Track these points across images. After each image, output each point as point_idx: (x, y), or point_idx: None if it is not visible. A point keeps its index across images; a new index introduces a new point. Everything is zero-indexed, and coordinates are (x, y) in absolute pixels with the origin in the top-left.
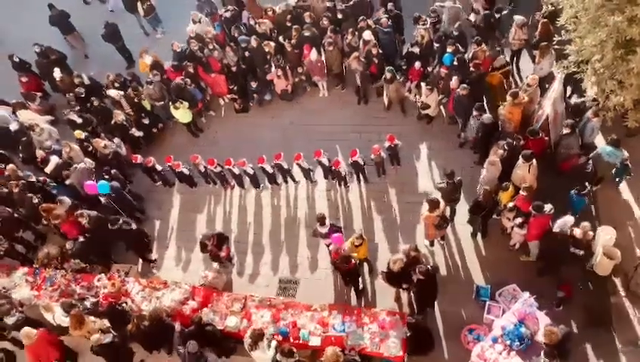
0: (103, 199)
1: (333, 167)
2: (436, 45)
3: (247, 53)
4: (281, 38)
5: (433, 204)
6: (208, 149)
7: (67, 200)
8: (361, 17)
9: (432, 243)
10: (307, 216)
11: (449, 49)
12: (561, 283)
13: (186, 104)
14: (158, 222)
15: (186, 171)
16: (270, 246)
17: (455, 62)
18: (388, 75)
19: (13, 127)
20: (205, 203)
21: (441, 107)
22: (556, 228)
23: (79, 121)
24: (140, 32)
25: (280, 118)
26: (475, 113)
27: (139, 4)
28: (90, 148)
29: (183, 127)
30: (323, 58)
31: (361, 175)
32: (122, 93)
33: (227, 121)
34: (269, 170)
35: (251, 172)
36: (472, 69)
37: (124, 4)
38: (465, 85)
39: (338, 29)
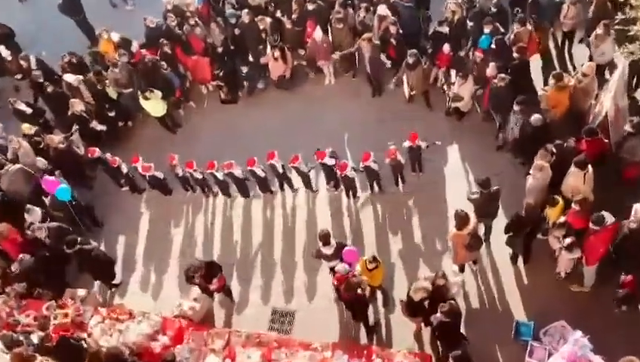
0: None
1: (340, 173)
2: (470, 24)
3: (236, 31)
4: (279, 13)
5: (463, 220)
6: (187, 149)
7: (37, 210)
8: None
9: (461, 269)
10: (307, 232)
11: (486, 29)
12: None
13: (159, 93)
14: (123, 238)
15: (159, 175)
16: (261, 269)
17: (493, 46)
18: (410, 60)
19: None
20: (182, 214)
21: (475, 101)
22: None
23: (28, 111)
24: (106, 2)
25: (276, 110)
26: (516, 108)
27: None
28: (42, 145)
29: (155, 121)
30: (330, 38)
31: (374, 183)
32: (81, 78)
33: (211, 114)
34: (261, 174)
35: (240, 177)
36: (514, 53)
37: None
38: (504, 75)
39: (349, 2)
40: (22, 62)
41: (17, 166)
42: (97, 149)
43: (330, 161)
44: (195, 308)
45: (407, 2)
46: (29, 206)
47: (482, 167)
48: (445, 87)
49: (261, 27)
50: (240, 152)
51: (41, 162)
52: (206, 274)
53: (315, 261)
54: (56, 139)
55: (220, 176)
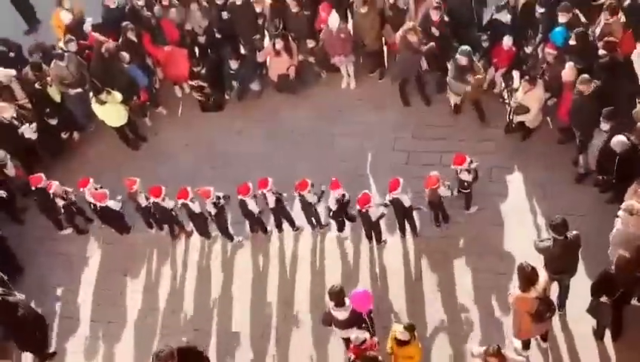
0: None
1: (360, 208)
2: (540, 11)
3: (225, 15)
4: None
5: (529, 278)
6: (152, 171)
7: None
8: None
9: (526, 346)
10: (312, 288)
11: (562, 17)
12: None
13: (118, 95)
14: (60, 290)
15: (114, 205)
16: (250, 340)
17: (572, 41)
18: (460, 58)
19: None
20: (143, 261)
21: (547, 113)
22: None
23: None
24: None
25: (274, 122)
26: (604, 127)
27: None
28: None
29: (112, 132)
30: (350, 26)
31: (405, 222)
32: (13, 73)
33: (186, 125)
34: (254, 208)
35: (221, 210)
36: (601, 50)
37: None
38: (587, 77)
39: None
40: None
41: None
42: (42, 176)
43: (344, 196)
44: None
45: None
46: None
47: (556, 204)
48: (505, 94)
49: (258, 10)
50: (224, 177)
51: None
52: None
53: (325, 331)
54: None
55: (195, 208)
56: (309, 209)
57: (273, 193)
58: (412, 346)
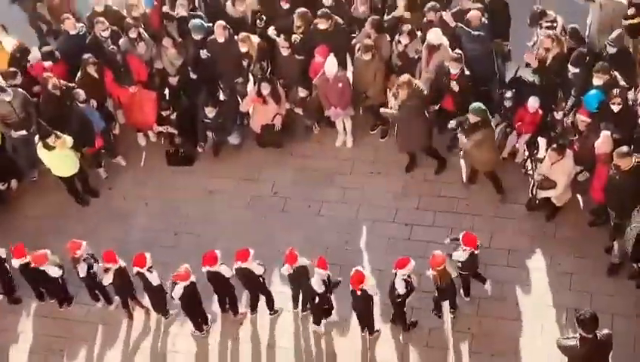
0: None
1: (355, 288)
2: (573, 70)
3: (203, 54)
4: (271, 30)
5: None
6: (104, 232)
7: None
8: (429, 4)
9: None
10: None
11: (597, 79)
12: None
13: (69, 140)
14: None
15: (53, 272)
16: None
17: (614, 106)
18: (473, 118)
19: None
20: (85, 340)
21: (577, 190)
22: None
23: None
24: None
25: (254, 181)
26: None
27: None
28: None
29: (59, 183)
30: (350, 74)
31: (405, 309)
32: None
33: (148, 180)
34: (225, 271)
35: (185, 283)
36: None
37: None
38: (626, 149)
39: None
40: None
41: None
42: None
43: (333, 278)
44: None
45: (477, 29)
46: None
47: (584, 297)
48: (529, 164)
49: (243, 50)
50: (188, 245)
51: None
52: None
53: None
54: None
55: (154, 279)
56: (294, 286)
57: (259, 264)
58: None
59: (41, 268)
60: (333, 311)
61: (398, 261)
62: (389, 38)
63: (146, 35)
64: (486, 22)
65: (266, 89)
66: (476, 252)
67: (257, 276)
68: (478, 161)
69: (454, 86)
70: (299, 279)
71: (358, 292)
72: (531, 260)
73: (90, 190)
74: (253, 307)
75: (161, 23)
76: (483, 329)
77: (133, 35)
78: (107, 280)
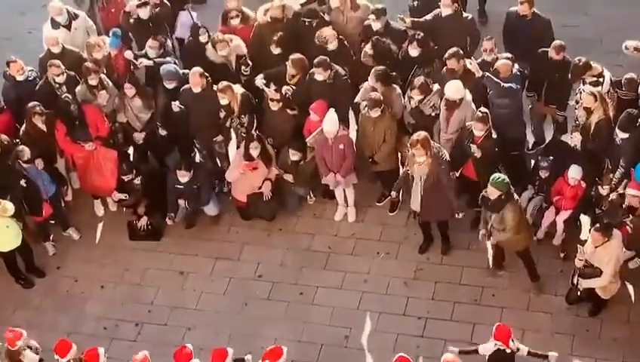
0: None
1: None
2: (622, 136)
3: (176, 106)
4: (259, 79)
5: None
6: (49, 320)
7: None
8: (450, 52)
9: None
10: None
11: None
12: None
13: (10, 207)
14: None
15: None
16: None
17: None
18: (491, 193)
19: None
20: None
21: (625, 279)
22: None
23: None
24: None
25: (235, 261)
26: None
27: None
28: None
29: None
30: (353, 133)
31: None
32: None
33: (106, 258)
34: None
35: None
36: None
37: None
38: None
39: (395, 75)
40: None
41: None
42: None
43: None
44: None
45: (508, 81)
46: None
47: None
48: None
49: (223, 102)
50: (152, 338)
51: None
52: None
53: None
54: None
55: None
56: None
57: None
58: None
59: None
60: None
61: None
62: (399, 91)
63: (109, 81)
64: (518, 73)
65: (255, 149)
66: (507, 350)
67: None
68: (512, 241)
69: (476, 151)
70: None
71: None
72: None
73: (34, 269)
74: None
75: (127, 67)
76: None
77: (93, 81)
78: None
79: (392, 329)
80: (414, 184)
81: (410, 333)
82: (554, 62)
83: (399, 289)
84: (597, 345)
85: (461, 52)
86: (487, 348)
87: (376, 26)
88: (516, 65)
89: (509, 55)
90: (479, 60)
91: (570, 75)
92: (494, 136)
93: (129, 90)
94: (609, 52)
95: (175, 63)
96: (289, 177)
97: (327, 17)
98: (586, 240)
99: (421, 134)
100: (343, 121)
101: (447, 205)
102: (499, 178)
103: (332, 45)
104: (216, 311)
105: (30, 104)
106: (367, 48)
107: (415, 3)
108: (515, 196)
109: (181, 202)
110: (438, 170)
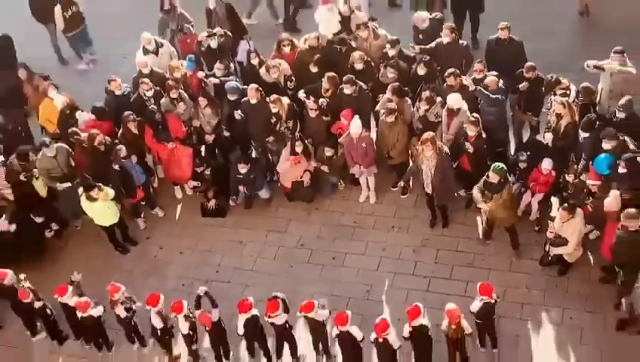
0: None
1: (377, 336)
2: (583, 135)
3: (237, 114)
4: (301, 93)
5: None
6: (140, 279)
7: None
8: (449, 71)
9: None
10: None
11: (606, 144)
12: None
13: (111, 192)
14: None
15: (95, 313)
16: None
17: (622, 168)
18: (493, 177)
19: None
20: None
21: (588, 248)
22: None
23: None
24: (52, 55)
25: (282, 233)
26: None
27: (57, 8)
28: None
29: (100, 232)
30: (374, 134)
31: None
32: (1, 159)
33: (184, 231)
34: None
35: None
36: None
37: (31, 8)
38: (634, 211)
39: (406, 89)
40: None
41: None
42: (9, 272)
43: (354, 331)
44: None
45: (495, 92)
46: None
47: (595, 352)
48: (543, 222)
49: (274, 110)
50: (220, 291)
51: None
52: None
53: None
54: None
55: (184, 326)
56: (320, 329)
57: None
58: None
59: (84, 313)
60: None
61: (410, 310)
62: (409, 102)
63: (186, 95)
64: (503, 86)
65: (298, 147)
66: (492, 302)
67: (283, 325)
68: (500, 217)
69: (469, 147)
70: (316, 329)
71: (380, 340)
72: (544, 314)
73: (129, 239)
74: (279, 354)
75: (200, 84)
76: None
77: (174, 95)
78: (184, 328)
79: (403, 286)
80: (424, 173)
81: (418, 289)
82: (528, 80)
83: (409, 255)
84: (564, 297)
85: (458, 71)
86: (475, 305)
87: (392, 52)
88: (501, 81)
89: (496, 73)
90: (472, 77)
91: (544, 89)
92: (484, 136)
93: (202, 101)
94: (573, 70)
95: (236, 81)
96: (324, 168)
97: (353, 44)
98: (555, 217)
99: (430, 134)
100: (366, 125)
101: (451, 188)
102: (499, 166)
103: (359, 65)
104: (268, 272)
105: (126, 113)
106: (389, 71)
107: (420, 36)
108: (510, 179)
109: (241, 188)
110: (443, 161)
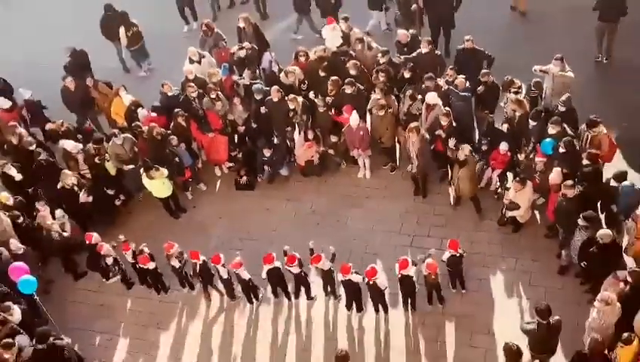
0: None
1: (368, 279)
2: (532, 123)
3: (262, 109)
4: (312, 93)
5: (514, 356)
6: (190, 238)
7: (18, 310)
8: (427, 75)
9: None
10: (324, 352)
11: (551, 129)
12: None
13: (165, 172)
14: (100, 339)
15: (151, 266)
16: None
17: (562, 149)
18: (461, 157)
19: None
20: (174, 317)
21: (536, 211)
22: None
23: (18, 177)
24: (118, 66)
25: (298, 202)
26: (582, 224)
27: (122, 29)
28: (22, 220)
29: (157, 204)
30: (368, 125)
31: (409, 299)
32: (81, 146)
33: (222, 201)
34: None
35: (247, 277)
36: (585, 160)
37: (101, 28)
38: (571, 182)
39: (394, 88)
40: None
41: None
42: (94, 234)
43: (355, 278)
44: None
45: (463, 91)
46: (6, 304)
47: (540, 291)
48: (500, 191)
49: (291, 107)
50: (250, 247)
51: (15, 244)
52: None
53: None
54: (49, 218)
55: (224, 273)
56: (327, 276)
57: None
58: None
59: (146, 265)
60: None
61: (400, 262)
62: (394, 98)
63: (222, 95)
64: (469, 86)
65: (310, 135)
66: (457, 254)
67: (300, 273)
68: (467, 188)
69: (442, 134)
70: (325, 276)
71: (371, 282)
72: (501, 262)
73: (180, 207)
74: (297, 294)
75: (232, 87)
76: (465, 313)
77: (213, 96)
78: (224, 273)
79: (392, 242)
80: (411, 153)
81: (403, 244)
82: (485, 83)
83: (397, 219)
84: (517, 249)
85: (433, 75)
86: (445, 256)
87: (383, 60)
88: (468, 82)
89: (464, 76)
90: (445, 80)
91: (501, 87)
92: (454, 125)
93: (235, 100)
94: (524, 72)
95: (261, 84)
96: (331, 151)
97: (353, 54)
98: (510, 188)
99: (415, 124)
100: (362, 117)
101: (429, 163)
102: (466, 146)
103: (353, 72)
104: (287, 232)
105: (176, 110)
106: (380, 75)
107: (405, 49)
108: (474, 157)
109: (266, 167)
110: (424, 144)
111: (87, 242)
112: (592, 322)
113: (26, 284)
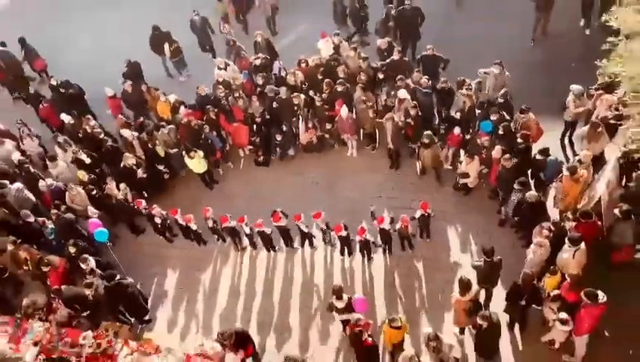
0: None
1: (360, 236)
2: (478, 111)
3: (274, 104)
4: (311, 92)
5: (465, 286)
6: (222, 203)
7: (92, 259)
8: (399, 76)
9: (461, 331)
10: (324, 286)
11: (492, 116)
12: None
13: (201, 153)
14: (155, 279)
15: (193, 227)
16: (278, 317)
17: (500, 131)
18: (425, 140)
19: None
20: (211, 262)
21: (482, 179)
22: None
23: (88, 161)
24: (163, 73)
25: (302, 175)
26: (517, 187)
27: (166, 45)
28: (95, 192)
29: (195, 178)
30: (355, 115)
31: (386, 246)
32: (137, 134)
33: (245, 175)
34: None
35: (268, 231)
36: (519, 139)
37: (150, 44)
38: (508, 156)
39: (372, 87)
40: (85, 125)
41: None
42: (143, 201)
43: (343, 233)
44: (215, 348)
45: (425, 89)
46: (84, 256)
47: (486, 238)
48: (455, 164)
49: (295, 102)
50: (267, 208)
51: (92, 211)
52: (235, 343)
53: (329, 314)
54: (115, 190)
55: (247, 230)
56: (323, 233)
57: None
58: (397, 331)
59: (190, 224)
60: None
61: (378, 218)
62: (371, 95)
63: (243, 94)
64: (430, 85)
65: (310, 123)
66: (426, 214)
67: (304, 229)
68: (430, 162)
69: (411, 121)
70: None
71: (361, 238)
72: (457, 217)
73: (213, 180)
74: (302, 244)
75: (251, 88)
76: (430, 255)
77: (236, 94)
78: (247, 230)
79: (374, 204)
80: (388, 135)
81: (383, 206)
82: (443, 88)
83: (377, 187)
84: (468, 208)
85: (403, 77)
86: (417, 214)
87: (364, 65)
88: (430, 82)
89: (427, 77)
90: (412, 80)
91: (455, 86)
92: (420, 114)
93: (254, 97)
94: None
95: (272, 84)
96: (327, 136)
97: (341, 61)
98: (462, 161)
99: (390, 114)
100: (350, 110)
101: (401, 142)
102: (429, 133)
103: (341, 75)
104: (294, 198)
105: (207, 106)
106: (362, 75)
107: (385, 53)
108: (436, 140)
109: (278, 149)
110: (397, 128)
111: (137, 207)
112: (527, 261)
113: (100, 234)
